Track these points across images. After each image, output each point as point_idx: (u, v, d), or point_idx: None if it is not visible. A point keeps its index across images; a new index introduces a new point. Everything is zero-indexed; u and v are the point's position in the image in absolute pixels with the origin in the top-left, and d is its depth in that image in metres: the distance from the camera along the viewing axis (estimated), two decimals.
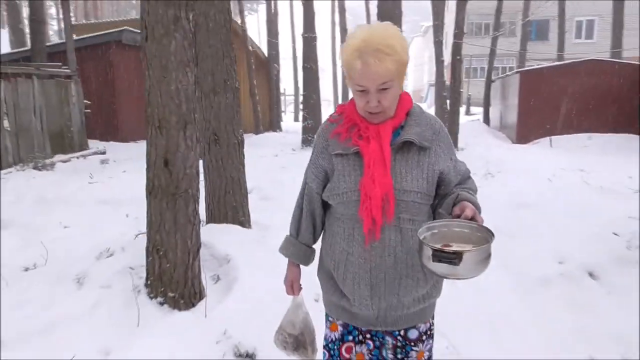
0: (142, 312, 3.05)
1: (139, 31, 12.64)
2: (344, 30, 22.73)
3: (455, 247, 1.36)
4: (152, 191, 3.19)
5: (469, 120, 20.16)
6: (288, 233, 1.82)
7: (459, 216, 1.46)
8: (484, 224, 1.43)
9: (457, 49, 12.90)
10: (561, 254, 4.47)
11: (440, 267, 1.30)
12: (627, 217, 5.10)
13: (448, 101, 14.48)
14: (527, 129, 13.91)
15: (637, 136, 11.87)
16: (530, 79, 14.12)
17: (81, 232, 4.72)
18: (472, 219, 1.44)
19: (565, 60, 16.92)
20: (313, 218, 1.74)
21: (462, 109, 22.21)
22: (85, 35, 12.66)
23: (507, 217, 5.74)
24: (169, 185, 3.14)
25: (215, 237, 4.02)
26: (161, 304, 3.23)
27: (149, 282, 3.28)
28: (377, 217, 1.50)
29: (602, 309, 3.56)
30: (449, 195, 1.61)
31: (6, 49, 16.36)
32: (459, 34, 12.76)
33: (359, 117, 1.56)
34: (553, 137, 13.14)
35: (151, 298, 3.25)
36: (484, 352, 3.04)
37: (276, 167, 9.49)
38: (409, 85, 44.43)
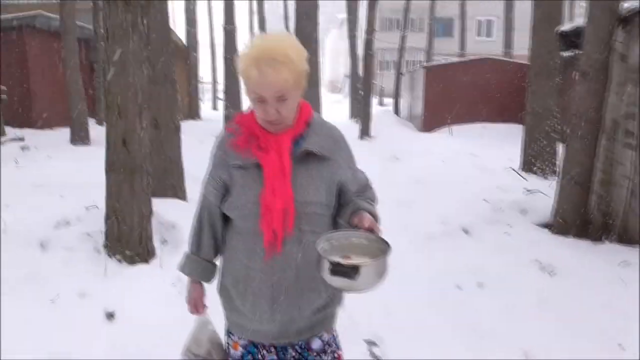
0: (104, 266, 3.74)
1: (53, 15, 12.57)
2: (262, 20, 23.39)
3: (353, 260, 1.36)
4: (111, 166, 3.86)
5: (382, 111, 21.68)
6: (187, 249, 1.73)
7: (357, 226, 1.47)
8: (381, 235, 1.45)
9: (369, 45, 14.12)
10: (444, 217, 5.65)
11: (337, 281, 1.30)
12: (496, 188, 6.43)
13: (361, 92, 15.73)
14: (431, 119, 15.51)
15: (521, 125, 13.78)
16: (434, 73, 15.72)
17: (28, 208, 5.17)
18: (371, 229, 1.46)
19: (466, 57, 18.86)
20: (214, 232, 1.67)
21: (375, 100, 23.81)
22: None
23: (407, 191, 6.95)
24: (127, 162, 3.82)
25: (160, 208, 4.72)
26: (120, 261, 3.92)
27: (108, 243, 3.95)
28: (278, 230, 1.48)
29: (470, 253, 4.71)
30: (348, 205, 1.61)
31: None
32: (370, 31, 13.97)
33: (258, 127, 1.52)
34: (453, 126, 14.80)
35: (110, 257, 3.93)
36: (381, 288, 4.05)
37: (204, 152, 10.08)
38: (325, 76, 45.73)
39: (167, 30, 5.05)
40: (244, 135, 1.54)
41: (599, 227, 4.64)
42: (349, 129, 17.12)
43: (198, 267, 1.70)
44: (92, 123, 11.67)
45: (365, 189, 1.68)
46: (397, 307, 3.62)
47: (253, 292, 1.57)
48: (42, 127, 12.25)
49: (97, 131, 11.57)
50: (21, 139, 10.24)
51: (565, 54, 6.68)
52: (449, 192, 6.64)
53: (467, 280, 4.13)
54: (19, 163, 7.98)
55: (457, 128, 14.67)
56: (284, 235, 1.50)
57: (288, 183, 1.48)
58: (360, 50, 20.32)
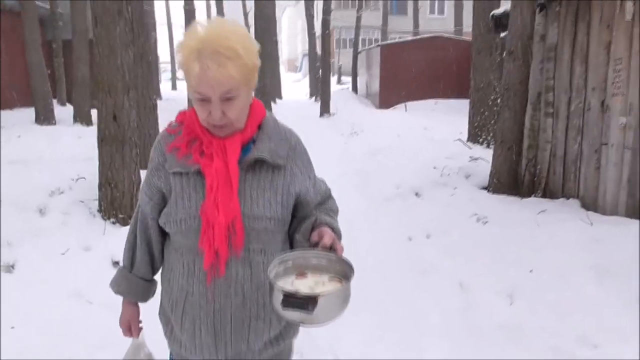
0: (103, 226, 4.25)
1: None
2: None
3: (309, 281, 1.23)
4: (103, 139, 4.34)
5: (340, 89, 22.33)
6: (121, 264, 1.53)
7: (317, 243, 1.31)
8: (343, 255, 1.30)
9: (325, 24, 14.64)
10: (398, 182, 6.38)
11: (292, 314, 1.12)
12: (444, 158, 7.22)
13: (320, 70, 16.29)
14: (387, 96, 16.28)
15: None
16: (389, 52, 16.44)
17: (17, 181, 5.53)
18: (331, 247, 1.30)
19: (419, 35, 19.66)
20: (149, 247, 1.47)
21: (334, 79, 24.40)
22: None
23: (364, 162, 7.68)
24: (117, 134, 4.31)
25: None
26: (114, 223, 4.43)
27: (102, 207, 4.45)
28: (222, 250, 1.28)
29: (420, 211, 5.44)
30: (307, 218, 1.43)
31: None
32: (327, 10, 14.47)
33: (201, 128, 1.32)
34: (408, 102, 15.62)
35: (105, 219, 4.43)
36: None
37: None
38: (283, 54, 45.76)
39: (142, 15, 5.46)
40: (184, 137, 1.33)
41: (528, 185, 5.45)
42: (310, 107, 17.75)
43: (131, 285, 1.49)
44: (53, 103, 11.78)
45: (326, 200, 1.53)
46: (356, 254, 4.31)
47: (192, 321, 1.37)
48: (2, 107, 12.22)
49: (60, 110, 11.72)
50: None
51: (501, 35, 7.45)
52: (403, 162, 7.38)
53: (416, 233, 4.87)
54: None
55: (411, 104, 15.50)
56: (229, 256, 1.30)
57: (235, 195, 1.28)
58: (317, 30, 20.79)
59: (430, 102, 15.33)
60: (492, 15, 6.36)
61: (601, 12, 4.57)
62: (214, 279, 1.32)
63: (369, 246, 4.63)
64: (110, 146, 4.31)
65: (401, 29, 29.83)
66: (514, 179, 5.51)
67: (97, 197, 4.53)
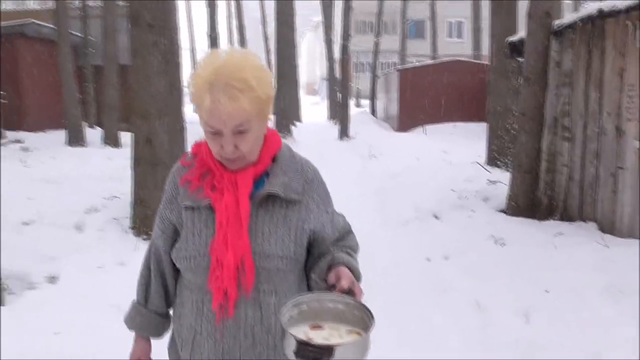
0: (135, 243, 4.48)
1: (43, 24, 13.09)
2: (241, 25, 24.09)
3: (324, 332, 1.14)
4: (137, 161, 4.61)
5: (359, 112, 22.61)
6: (135, 298, 1.48)
7: (334, 286, 1.23)
8: (363, 301, 1.19)
9: (345, 49, 15.00)
10: (417, 204, 6.52)
11: None
12: (463, 181, 7.34)
13: (339, 94, 16.59)
14: (406, 120, 16.47)
15: None
16: (407, 75, 16.70)
17: (54, 200, 5.84)
18: (350, 290, 1.22)
19: (437, 59, 19.93)
20: (163, 280, 1.43)
21: (353, 102, 24.75)
22: None
23: (383, 184, 7.84)
24: (151, 157, 4.57)
25: None
26: (144, 239, 4.66)
27: (135, 225, 4.69)
28: (231, 290, 1.23)
29: (439, 233, 5.57)
30: (324, 256, 1.36)
31: None
32: (346, 36, 14.84)
33: (214, 161, 1.28)
34: (427, 126, 15.78)
35: (137, 236, 4.67)
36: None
37: None
38: (302, 78, 46.53)
39: (174, 46, 5.80)
40: (197, 170, 1.30)
41: (545, 208, 5.55)
42: (328, 130, 18.01)
43: (145, 320, 1.45)
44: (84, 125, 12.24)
45: (344, 236, 1.43)
46: (376, 274, 4.45)
47: None
48: (34, 130, 12.74)
49: (89, 133, 12.17)
50: (20, 141, 10.77)
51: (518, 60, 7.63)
52: (422, 184, 7.52)
53: (435, 254, 5.00)
54: (26, 163, 8.57)
55: (430, 127, 15.65)
56: (238, 297, 1.25)
57: (244, 232, 1.24)
58: (336, 54, 21.22)
59: (448, 126, 15.47)
60: (508, 42, 6.55)
61: (614, 39, 4.73)
62: (222, 320, 1.27)
63: (388, 266, 4.76)
64: (144, 168, 4.57)
65: (419, 52, 30.20)
66: (531, 202, 5.62)
67: (129, 215, 4.78)
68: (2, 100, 10.82)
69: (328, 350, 1.03)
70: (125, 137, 12.16)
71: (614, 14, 4.64)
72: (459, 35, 34.29)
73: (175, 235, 1.35)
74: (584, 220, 5.04)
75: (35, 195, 6.24)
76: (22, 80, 12.81)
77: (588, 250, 4.06)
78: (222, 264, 1.22)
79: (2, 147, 9.88)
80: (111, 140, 11.29)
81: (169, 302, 1.45)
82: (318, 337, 1.10)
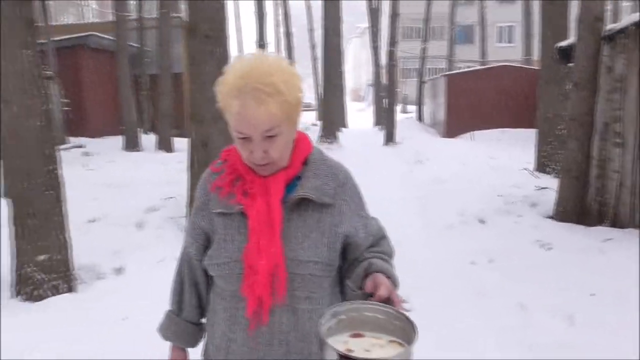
0: None
1: (104, 36, 13.93)
2: (289, 33, 24.60)
3: (365, 341, 1.08)
4: (193, 164, 4.92)
5: (405, 118, 22.64)
6: (168, 307, 1.48)
7: (372, 294, 1.19)
8: (403, 311, 1.14)
9: (391, 56, 15.11)
10: (462, 209, 6.57)
11: None
12: (510, 186, 7.32)
13: (385, 100, 16.69)
14: (453, 125, 16.39)
15: None
16: (454, 81, 16.62)
17: (116, 201, 6.28)
18: (388, 299, 1.17)
19: (486, 64, 19.69)
20: (197, 289, 1.42)
21: (399, 108, 24.75)
22: (55, 38, 13.73)
23: (428, 189, 7.89)
24: (206, 160, 4.86)
25: None
26: None
27: None
28: (265, 297, 1.22)
29: (484, 237, 5.62)
30: (359, 262, 1.33)
31: None
32: (392, 43, 14.96)
33: (244, 167, 1.28)
34: (474, 132, 15.65)
35: None
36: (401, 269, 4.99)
37: None
38: (347, 84, 46.81)
39: (227, 55, 6.14)
40: (227, 176, 1.30)
41: (595, 214, 5.50)
42: (374, 136, 18.14)
43: (179, 330, 1.45)
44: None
45: (379, 241, 1.41)
46: (417, 276, 4.57)
47: None
48: (94, 136, 13.57)
49: (144, 138, 12.83)
50: (81, 146, 11.50)
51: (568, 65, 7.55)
52: (468, 190, 7.55)
53: (479, 258, 5.06)
54: (87, 167, 9.18)
55: (477, 133, 15.51)
56: (272, 303, 1.24)
57: (277, 237, 1.22)
58: (383, 60, 21.33)
59: (496, 132, 15.29)
60: (558, 47, 6.52)
61: None
62: (257, 327, 1.26)
63: (431, 268, 4.87)
64: (199, 170, 4.86)
65: (468, 57, 29.84)
66: (580, 208, 5.58)
67: (185, 214, 5.10)
68: (66, 108, 11.59)
69: None
70: (178, 143, 12.78)
71: None
72: (510, 40, 33.64)
73: (207, 242, 1.34)
74: (635, 227, 4.97)
75: (97, 196, 6.73)
76: (84, 89, 13.66)
77: (635, 256, 4.03)
78: (255, 270, 1.21)
79: (65, 152, 10.59)
80: (165, 145, 11.86)
81: (202, 310, 1.44)
82: (358, 347, 1.05)
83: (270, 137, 1.18)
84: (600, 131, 5.45)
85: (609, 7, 4.91)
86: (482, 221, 6.19)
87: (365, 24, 38.69)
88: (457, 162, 10.51)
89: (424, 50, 21.46)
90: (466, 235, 5.82)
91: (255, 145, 1.18)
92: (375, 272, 1.25)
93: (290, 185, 1.27)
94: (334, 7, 14.67)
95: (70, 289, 3.84)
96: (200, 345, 1.46)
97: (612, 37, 5.30)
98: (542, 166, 8.74)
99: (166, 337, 1.46)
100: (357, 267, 1.30)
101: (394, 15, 14.66)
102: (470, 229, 6.01)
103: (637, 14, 5.14)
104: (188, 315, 1.44)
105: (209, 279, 1.38)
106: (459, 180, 8.38)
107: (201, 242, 1.35)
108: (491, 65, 17.20)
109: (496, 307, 3.90)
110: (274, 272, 1.21)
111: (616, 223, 5.31)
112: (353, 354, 1.00)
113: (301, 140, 1.32)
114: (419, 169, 10.34)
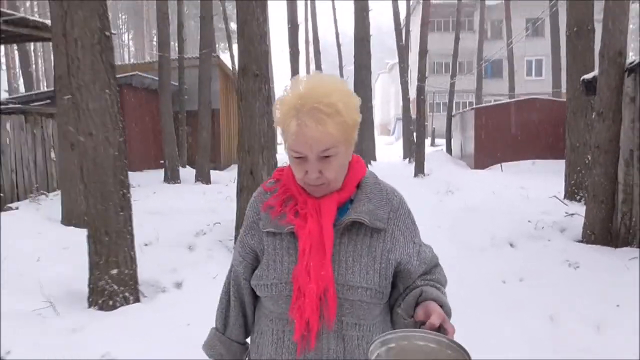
0: None
1: (146, 75, 14.93)
2: (318, 68, 25.55)
3: None
4: (241, 189, 5.44)
5: (434, 151, 22.96)
6: (214, 325, 1.48)
7: (423, 323, 1.16)
8: (456, 339, 1.10)
9: (420, 90, 15.66)
10: (493, 234, 6.88)
11: None
12: (540, 213, 7.60)
13: (415, 134, 17.15)
14: (482, 157, 16.68)
15: None
16: (483, 114, 17.01)
17: (165, 227, 6.83)
18: (440, 328, 1.13)
19: (514, 97, 20.04)
20: (243, 308, 1.41)
21: (428, 141, 25.17)
22: None
23: (459, 217, 8.22)
24: (253, 186, 5.38)
25: None
26: None
27: None
28: (312, 321, 1.19)
29: (514, 259, 5.91)
30: (410, 290, 1.31)
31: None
32: (421, 78, 15.53)
33: (297, 188, 1.27)
34: (504, 163, 15.90)
35: None
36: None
37: None
38: (375, 119, 47.60)
39: (271, 91, 6.74)
40: (280, 195, 1.31)
41: (622, 237, 5.75)
42: (403, 168, 18.55)
43: (224, 349, 1.44)
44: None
45: (432, 269, 1.39)
46: (456, 295, 4.90)
47: None
48: (138, 169, 14.38)
49: (182, 172, 13.55)
50: None
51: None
52: (498, 217, 7.85)
53: (510, 277, 5.37)
54: (133, 197, 9.82)
55: (507, 165, 15.76)
56: (320, 328, 1.22)
57: (328, 260, 1.21)
58: (411, 94, 21.91)
59: (527, 163, 15.50)
60: (583, 80, 6.91)
61: None
62: (304, 352, 1.24)
63: (465, 287, 5.18)
64: (247, 195, 5.38)
65: (496, 91, 30.24)
66: (607, 231, 5.85)
67: (233, 237, 5.59)
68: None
69: None
70: (213, 175, 13.45)
71: None
72: (538, 74, 33.94)
73: (255, 262, 1.33)
74: None
75: (145, 223, 7.29)
76: (127, 125, 14.57)
77: None
78: (304, 293, 1.19)
79: None
80: (203, 177, 12.54)
81: (247, 331, 1.44)
82: None
83: (326, 157, 1.19)
84: (626, 158, 5.76)
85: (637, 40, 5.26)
86: (512, 245, 6.49)
87: (393, 59, 39.71)
88: (486, 191, 10.81)
89: (452, 84, 21.99)
90: (497, 257, 6.13)
91: (310, 165, 1.19)
92: (427, 300, 1.23)
93: (342, 208, 1.26)
94: (365, 45, 15.40)
95: (137, 300, 4.33)
96: None
97: (633, 70, 5.68)
98: (571, 194, 8.99)
99: (211, 355, 1.44)
100: (409, 295, 1.28)
101: (423, 52, 15.28)
102: (500, 251, 6.32)
103: None
104: (233, 333, 1.43)
105: (256, 297, 1.37)
106: (489, 208, 8.68)
107: (249, 260, 1.34)
108: (519, 98, 17.54)
109: (527, 319, 4.19)
110: (324, 296, 1.19)
111: None
112: None
113: (356, 163, 1.32)
114: (450, 198, 10.67)
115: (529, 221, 7.20)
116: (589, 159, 6.78)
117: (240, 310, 1.41)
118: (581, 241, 6.09)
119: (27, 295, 4.19)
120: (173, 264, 5.09)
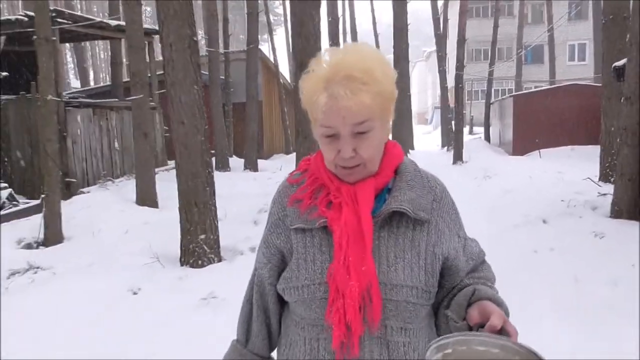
0: None
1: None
2: None
3: None
4: None
5: (472, 139, 23.42)
6: (235, 337, 1.35)
7: (481, 325, 1.03)
8: (521, 341, 0.97)
9: (459, 79, 16.23)
10: (527, 212, 7.58)
11: None
12: (573, 193, 8.23)
13: (453, 122, 17.74)
14: (521, 144, 17.13)
15: None
16: (522, 101, 17.43)
17: (224, 207, 7.78)
18: (501, 330, 1.00)
19: (555, 84, 20.29)
20: (267, 317, 1.28)
21: (466, 129, 25.59)
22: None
23: (497, 198, 8.94)
24: None
25: None
26: None
27: None
28: (355, 324, 1.06)
29: (546, 233, 6.61)
30: (458, 289, 1.18)
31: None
32: (460, 67, 16.09)
33: (328, 174, 1.14)
34: (542, 150, 16.33)
35: None
36: None
37: None
38: (413, 108, 47.87)
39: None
40: (308, 186, 1.18)
41: None
42: (442, 156, 19.16)
43: None
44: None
45: (479, 266, 1.28)
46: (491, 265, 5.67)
47: None
48: None
49: (230, 161, 14.62)
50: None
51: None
52: (533, 197, 8.52)
53: (541, 248, 6.08)
54: None
55: (545, 151, 16.19)
56: (363, 333, 1.09)
57: (368, 254, 1.07)
58: (449, 83, 22.36)
59: (566, 149, 15.90)
60: (614, 67, 7.48)
61: None
62: None
63: (498, 257, 5.91)
64: None
65: (536, 78, 30.25)
66: (634, 206, 6.47)
67: None
68: (166, 135, 13.55)
69: None
70: (260, 164, 14.46)
71: None
72: (581, 58, 33.63)
73: (282, 264, 1.22)
74: None
75: None
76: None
77: None
78: (343, 293, 1.07)
79: (167, 173, 12.45)
80: (251, 165, 13.56)
81: (272, 343, 1.32)
82: None
83: (361, 133, 1.07)
84: None
85: None
86: (545, 221, 7.18)
87: (430, 47, 39.93)
88: (523, 176, 11.41)
89: (491, 72, 22.36)
90: (530, 232, 6.84)
91: (344, 142, 1.07)
92: (481, 300, 1.10)
93: (379, 198, 1.14)
94: (403, 35, 16.05)
95: (220, 260, 5.29)
96: None
97: None
98: (605, 176, 9.54)
99: None
100: (458, 295, 1.16)
101: (461, 40, 15.82)
102: (534, 227, 7.02)
103: None
104: (255, 347, 1.31)
105: (283, 305, 1.27)
106: (525, 190, 9.34)
107: (275, 263, 1.22)
108: (559, 85, 17.86)
109: (554, 280, 4.93)
110: (367, 295, 1.07)
111: None
112: None
113: (392, 147, 1.20)
114: (488, 183, 11.32)
115: (562, 200, 7.85)
116: (618, 140, 7.36)
117: (264, 319, 1.29)
118: (610, 217, 6.73)
119: (133, 258, 5.22)
120: (244, 234, 6.03)
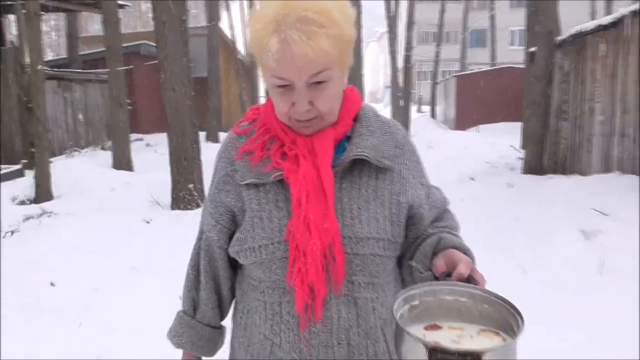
0: None
1: (153, 44, 16.74)
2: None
3: (449, 341, 0.84)
4: None
5: (420, 116, 25.22)
6: (180, 308, 1.24)
7: (448, 275, 0.98)
8: (492, 290, 0.93)
9: (408, 59, 17.74)
10: (459, 172, 9.13)
11: None
12: (498, 157, 9.87)
13: (402, 101, 19.31)
14: (462, 120, 18.94)
15: None
16: (464, 81, 19.20)
17: None
18: (469, 278, 0.95)
19: (496, 66, 22.20)
20: (216, 284, 1.19)
21: (414, 107, 27.34)
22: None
23: (437, 164, 10.44)
24: None
25: None
26: None
27: None
28: (318, 285, 0.98)
29: (472, 188, 8.15)
30: (422, 239, 1.12)
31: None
32: (409, 48, 17.59)
33: (280, 125, 1.04)
34: (480, 125, 18.17)
35: None
36: None
37: None
38: (366, 87, 49.40)
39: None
40: (259, 137, 1.07)
41: (550, 168, 8.02)
42: None
43: (194, 335, 1.19)
44: None
45: (443, 214, 1.21)
46: None
47: None
48: (146, 132, 16.33)
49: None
50: (141, 140, 14.23)
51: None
52: (466, 162, 10.11)
53: (467, 197, 7.61)
54: (157, 153, 11.89)
55: (483, 126, 18.05)
56: (328, 293, 1.01)
57: (330, 209, 0.99)
58: (399, 64, 23.89)
59: (500, 125, 17.80)
60: (529, 52, 9.07)
61: (590, 50, 7.22)
62: (308, 326, 1.02)
63: None
64: None
65: (480, 60, 32.35)
66: (539, 164, 8.11)
67: None
68: (128, 107, 14.37)
69: (474, 356, 0.77)
70: (221, 136, 15.52)
71: (588, 32, 7.14)
72: (521, 43, 35.93)
73: (232, 225, 1.10)
74: (574, 172, 7.50)
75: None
76: (137, 91, 16.43)
77: (561, 183, 6.59)
78: (304, 252, 0.98)
79: (132, 143, 13.34)
80: (213, 137, 14.59)
81: (222, 311, 1.23)
82: (443, 341, 0.83)
83: (318, 83, 0.95)
84: (555, 111, 7.97)
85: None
86: (472, 179, 8.75)
87: (382, 28, 41.39)
88: (462, 146, 13.08)
89: (437, 53, 24.05)
90: (461, 187, 8.37)
91: (298, 95, 0.95)
92: (447, 249, 1.04)
93: (338, 148, 1.05)
94: (357, 16, 17.28)
95: None
96: (221, 354, 1.25)
97: (561, 44, 7.85)
98: (525, 144, 11.28)
99: (177, 344, 1.21)
100: (423, 245, 1.10)
101: (410, 23, 17.28)
102: (464, 184, 8.57)
103: (576, 27, 7.68)
104: (205, 317, 1.20)
105: (234, 270, 1.17)
106: (461, 157, 10.96)
107: (225, 223, 1.10)
108: (497, 67, 19.76)
109: (473, 221, 6.42)
110: (329, 253, 0.98)
111: (564, 172, 7.83)
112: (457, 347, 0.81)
113: (350, 92, 1.10)
114: (430, 152, 12.90)
115: (487, 162, 9.46)
116: (529, 112, 8.97)
117: (213, 286, 1.18)
118: (521, 173, 8.36)
119: (133, 203, 6.33)
120: None
